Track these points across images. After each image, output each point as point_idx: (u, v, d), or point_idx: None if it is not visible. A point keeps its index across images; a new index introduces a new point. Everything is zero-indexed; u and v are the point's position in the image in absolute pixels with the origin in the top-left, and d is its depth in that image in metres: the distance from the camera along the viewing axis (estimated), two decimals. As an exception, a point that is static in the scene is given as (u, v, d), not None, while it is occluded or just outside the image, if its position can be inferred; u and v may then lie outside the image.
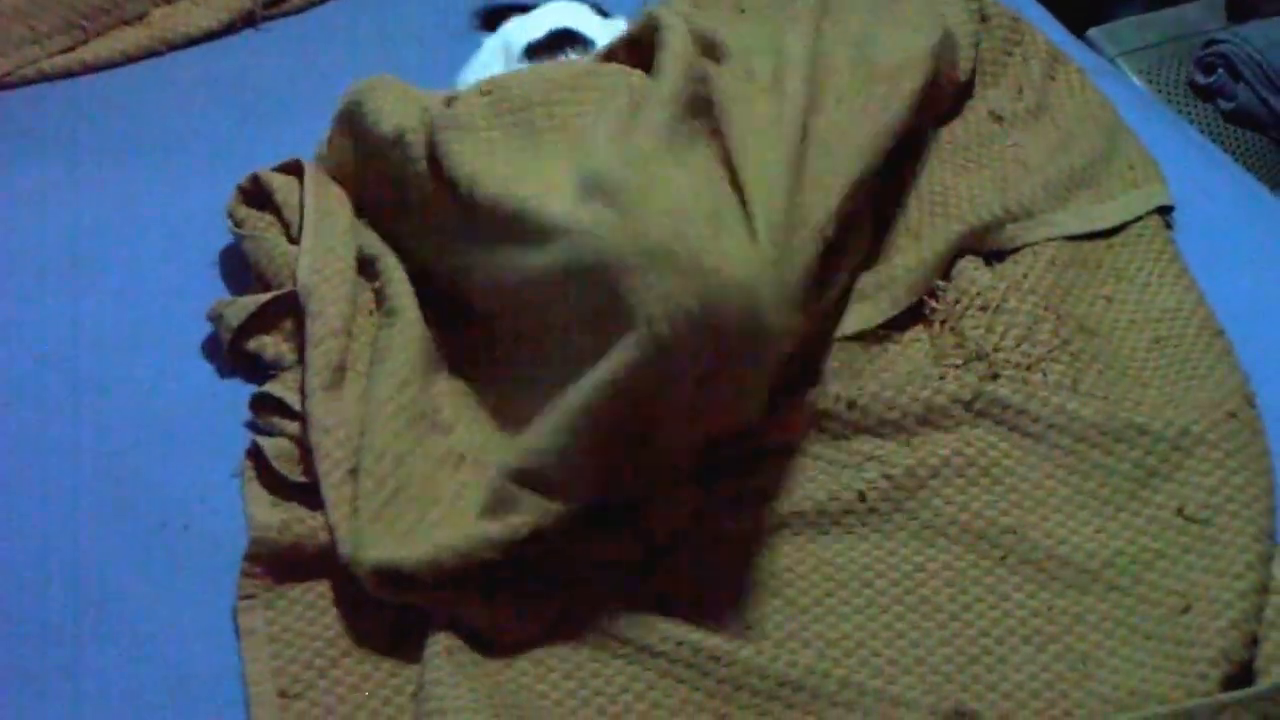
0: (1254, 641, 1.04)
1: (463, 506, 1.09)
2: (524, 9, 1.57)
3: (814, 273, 1.17)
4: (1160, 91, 2.01)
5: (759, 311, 1.03)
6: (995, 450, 1.19)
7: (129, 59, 1.74)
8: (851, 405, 1.21)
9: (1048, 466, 1.17)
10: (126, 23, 1.76)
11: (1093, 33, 2.09)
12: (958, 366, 1.25)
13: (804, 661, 1.05)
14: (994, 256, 1.38)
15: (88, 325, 1.36)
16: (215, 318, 1.28)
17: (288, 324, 1.26)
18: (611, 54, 1.30)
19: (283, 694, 1.04)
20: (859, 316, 1.31)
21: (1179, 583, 1.09)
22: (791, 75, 1.28)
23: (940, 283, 1.33)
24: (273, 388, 1.21)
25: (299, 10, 1.83)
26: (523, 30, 1.44)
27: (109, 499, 1.19)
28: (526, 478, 1.05)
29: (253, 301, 1.26)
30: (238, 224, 1.36)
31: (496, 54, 1.47)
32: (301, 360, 1.21)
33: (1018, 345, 1.27)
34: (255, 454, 1.18)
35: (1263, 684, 1.01)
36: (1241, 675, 1.03)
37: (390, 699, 1.05)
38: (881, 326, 1.31)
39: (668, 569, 1.10)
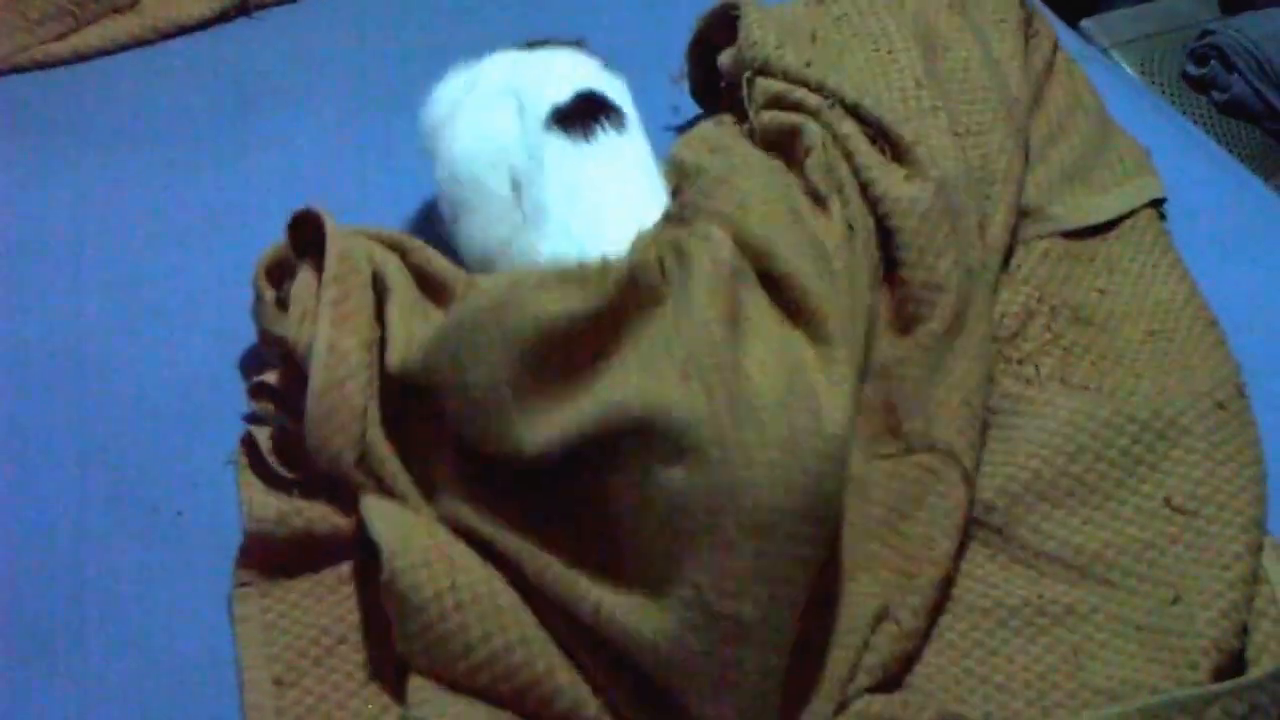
0: (1244, 631, 1.04)
1: None
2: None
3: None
4: (1153, 83, 2.01)
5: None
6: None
7: (120, 47, 1.73)
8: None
9: (1035, 458, 1.17)
10: (118, 10, 1.75)
11: (1086, 23, 2.09)
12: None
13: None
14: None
15: (79, 313, 1.35)
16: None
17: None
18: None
19: (277, 681, 1.04)
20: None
21: (1168, 573, 1.09)
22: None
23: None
24: (270, 376, 1.21)
25: (292, -3, 1.83)
26: (536, 83, 1.27)
27: (101, 485, 1.19)
28: None
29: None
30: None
31: (496, 96, 1.30)
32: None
33: (1010, 339, 1.27)
34: (249, 442, 1.18)
35: (1253, 674, 1.01)
36: (1232, 665, 1.03)
37: (385, 688, 1.04)
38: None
39: None
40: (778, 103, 1.36)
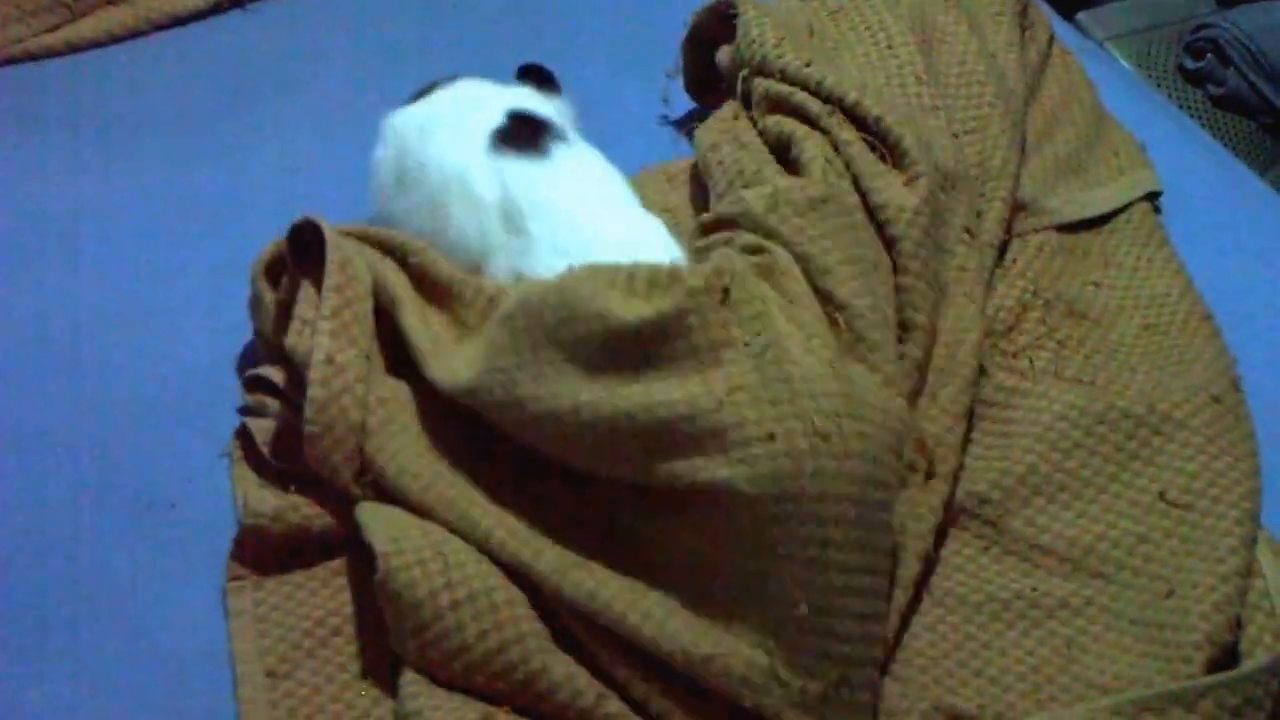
0: (1238, 625, 1.05)
1: None
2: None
3: None
4: (1149, 76, 2.01)
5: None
6: (976, 435, 1.19)
7: (114, 39, 1.73)
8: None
9: (1030, 452, 1.17)
10: (112, 2, 1.75)
11: (1082, 17, 2.09)
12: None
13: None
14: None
15: (74, 305, 1.35)
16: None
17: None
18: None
19: (270, 674, 1.04)
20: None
21: (1162, 567, 1.09)
22: None
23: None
24: (265, 370, 1.21)
25: (286, -10, 1.82)
26: (464, 114, 1.27)
27: (96, 478, 1.19)
28: None
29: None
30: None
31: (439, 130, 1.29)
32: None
33: (1006, 333, 1.27)
34: (243, 435, 1.18)
35: (1247, 666, 1.01)
36: (1225, 658, 1.03)
37: (378, 680, 1.04)
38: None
39: None
40: (779, 106, 1.35)
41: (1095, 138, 1.50)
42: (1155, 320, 1.31)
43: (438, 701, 0.99)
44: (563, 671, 1.00)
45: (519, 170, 1.21)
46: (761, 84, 1.37)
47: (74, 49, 1.71)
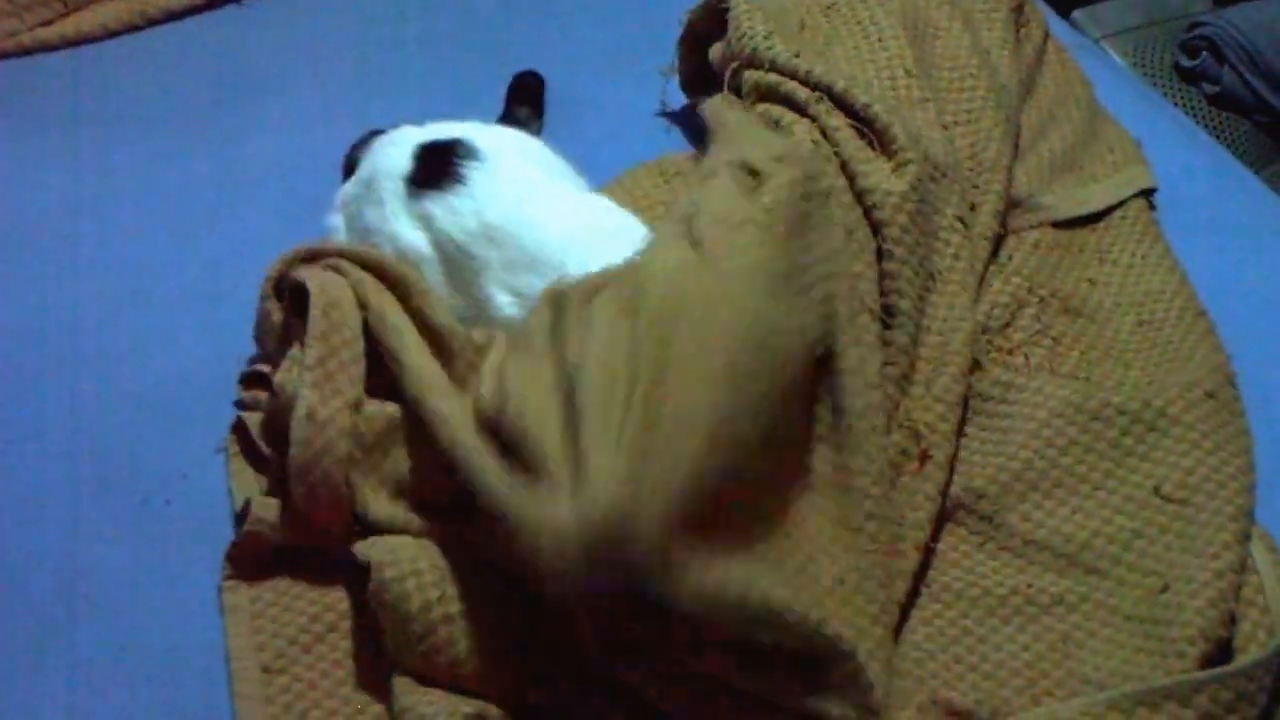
0: (1232, 620, 1.05)
1: None
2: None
3: None
4: (1145, 74, 2.01)
5: None
6: (972, 431, 1.19)
7: (110, 33, 1.73)
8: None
9: (1025, 448, 1.17)
10: (106, -4, 1.75)
11: (1077, 14, 2.09)
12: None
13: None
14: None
15: (70, 300, 1.35)
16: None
17: None
18: None
19: (266, 669, 1.04)
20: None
21: (1157, 562, 1.09)
22: None
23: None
24: (262, 366, 1.21)
25: (281, -15, 1.82)
26: (378, 173, 1.25)
27: (91, 474, 1.19)
28: None
29: None
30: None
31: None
32: None
33: (1001, 329, 1.27)
34: (239, 429, 1.18)
35: (1240, 661, 1.02)
36: (1219, 653, 1.03)
37: (374, 675, 1.04)
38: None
39: None
40: (769, 95, 1.35)
41: (1091, 134, 1.50)
42: (1150, 316, 1.31)
43: (432, 698, 0.99)
44: (555, 687, 1.00)
45: (439, 207, 1.20)
46: (752, 75, 1.38)
47: (69, 43, 1.71)
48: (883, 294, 1.19)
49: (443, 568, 1.02)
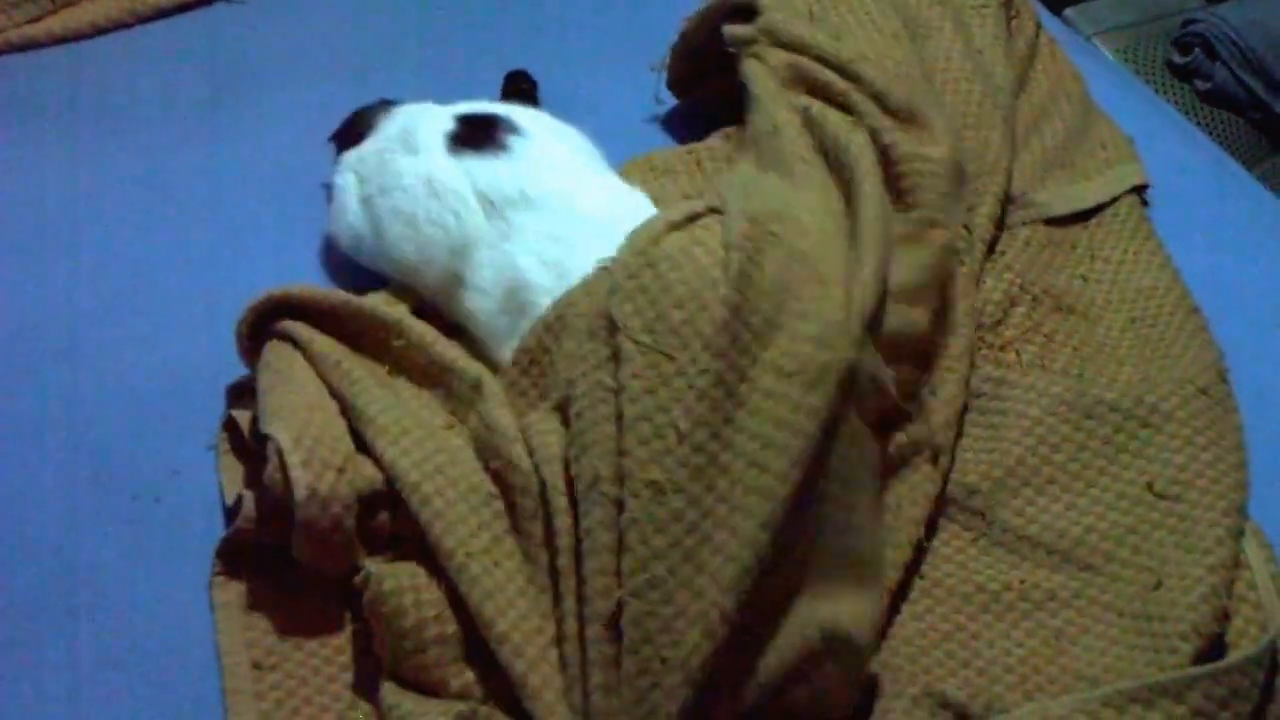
0: (1224, 616, 1.05)
1: None
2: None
3: None
4: (1137, 71, 2.02)
5: None
6: (964, 427, 1.19)
7: (98, 30, 1.72)
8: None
9: (1018, 444, 1.17)
10: (94, -8, 1.74)
11: (1069, 12, 2.09)
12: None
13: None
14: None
15: (61, 297, 1.35)
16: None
17: None
18: None
19: (256, 665, 1.04)
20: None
21: (1150, 558, 1.09)
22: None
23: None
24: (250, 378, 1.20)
25: (272, -18, 1.81)
26: (416, 126, 1.29)
27: (82, 470, 1.18)
28: None
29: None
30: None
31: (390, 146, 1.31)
32: None
33: (993, 326, 1.27)
34: (230, 425, 1.17)
35: (1233, 657, 1.02)
36: (1212, 650, 1.03)
37: (363, 673, 1.04)
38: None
39: None
40: (801, 80, 1.34)
41: (1083, 130, 1.50)
42: (1143, 313, 1.31)
43: (423, 695, 1.00)
44: (554, 695, 1.00)
45: (481, 167, 1.22)
46: (782, 55, 1.37)
47: (57, 40, 1.70)
48: None
49: (442, 589, 1.02)
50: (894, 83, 1.29)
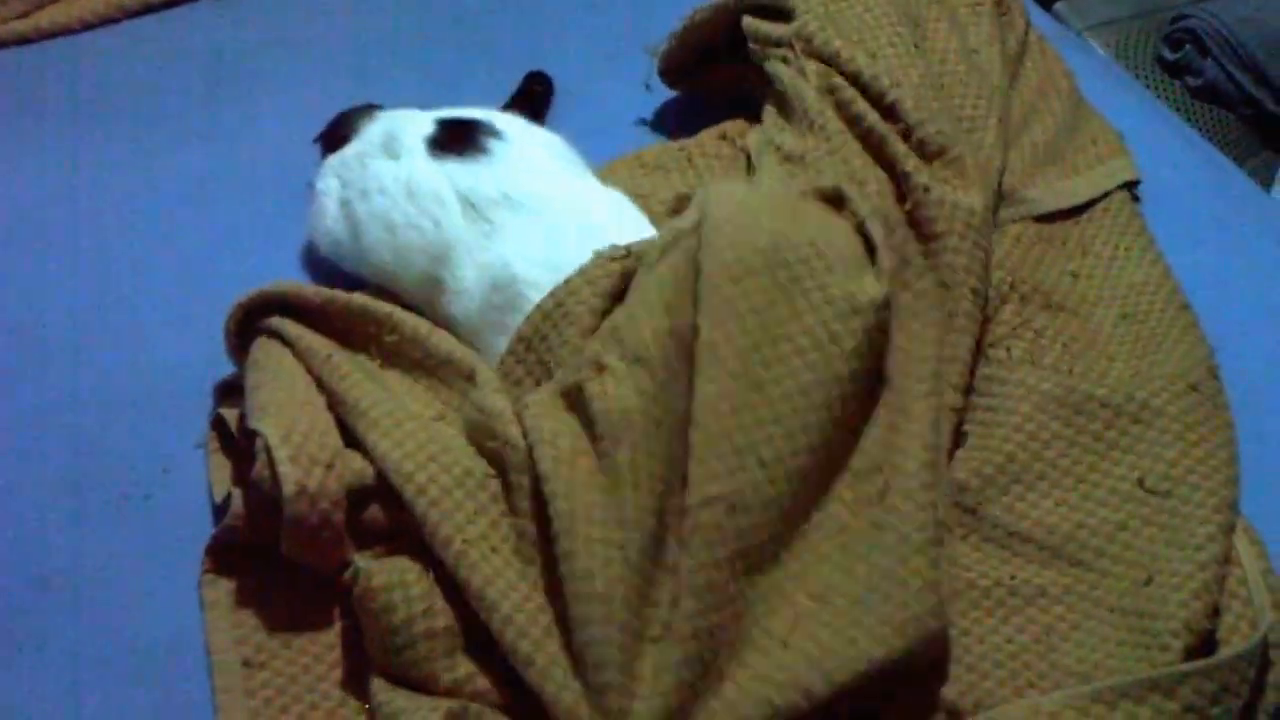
0: (1216, 612, 1.05)
1: None
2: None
3: None
4: (1128, 67, 2.02)
5: None
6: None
7: (86, 26, 1.71)
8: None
9: (1009, 441, 1.17)
10: (83, -13, 1.73)
11: (1060, 7, 2.09)
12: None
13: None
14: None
15: (50, 294, 1.34)
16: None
17: None
18: None
19: (246, 663, 1.04)
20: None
21: (1141, 555, 1.09)
22: None
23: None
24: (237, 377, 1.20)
25: (260, -22, 1.81)
26: (397, 131, 1.30)
27: (71, 468, 1.18)
28: None
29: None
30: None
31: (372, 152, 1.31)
32: None
33: (984, 322, 1.27)
34: (219, 424, 1.17)
35: (1224, 654, 1.02)
36: (1203, 646, 1.03)
37: (353, 670, 1.04)
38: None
39: None
40: (829, 97, 1.35)
41: (1073, 126, 1.49)
42: (1133, 309, 1.31)
43: (412, 692, 0.99)
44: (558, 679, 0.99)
45: (462, 170, 1.23)
46: (811, 66, 1.37)
47: (46, 35, 1.69)
48: None
49: (431, 583, 1.02)
50: (929, 116, 1.30)
